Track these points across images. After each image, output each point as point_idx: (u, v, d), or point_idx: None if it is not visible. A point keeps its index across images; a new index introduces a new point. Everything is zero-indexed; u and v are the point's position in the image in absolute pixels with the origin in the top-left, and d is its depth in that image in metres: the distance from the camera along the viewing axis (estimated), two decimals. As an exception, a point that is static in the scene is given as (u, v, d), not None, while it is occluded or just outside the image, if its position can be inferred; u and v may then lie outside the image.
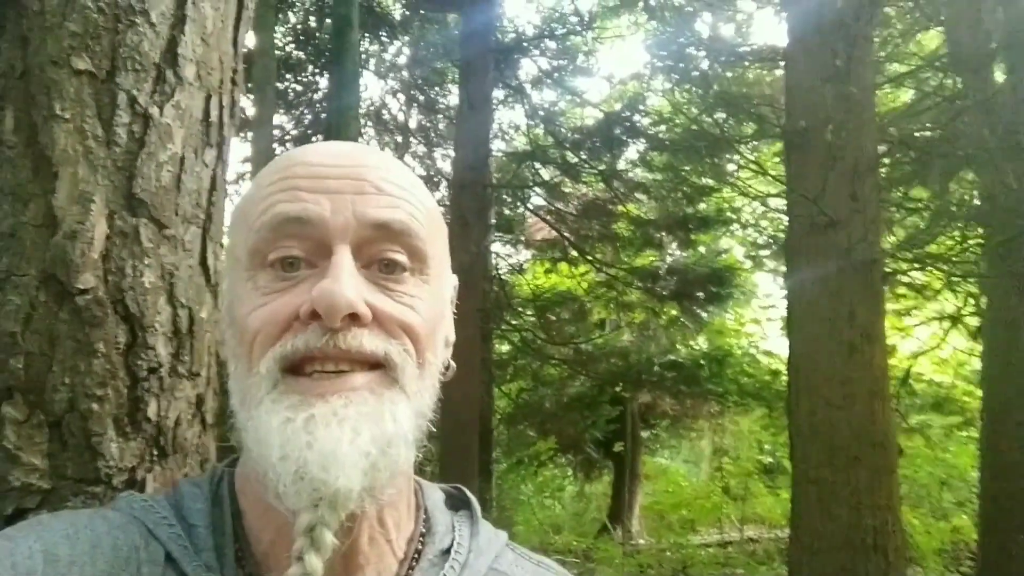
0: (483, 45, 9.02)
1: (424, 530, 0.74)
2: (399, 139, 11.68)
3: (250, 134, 8.19)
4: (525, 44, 10.29)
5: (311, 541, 0.59)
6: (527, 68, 10.67)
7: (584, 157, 9.83)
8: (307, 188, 0.63)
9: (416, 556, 0.72)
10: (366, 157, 0.68)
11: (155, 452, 0.80)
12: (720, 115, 8.20)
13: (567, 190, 10.41)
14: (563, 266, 10.58)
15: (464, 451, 8.32)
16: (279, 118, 10.92)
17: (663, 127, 9.80)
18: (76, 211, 0.78)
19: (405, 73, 11.52)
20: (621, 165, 10.11)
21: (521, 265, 11.19)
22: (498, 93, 10.43)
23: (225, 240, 0.73)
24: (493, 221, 10.33)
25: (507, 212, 10.65)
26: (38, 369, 0.75)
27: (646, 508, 13.09)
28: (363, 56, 11.00)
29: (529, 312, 10.36)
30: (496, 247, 10.67)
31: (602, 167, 9.76)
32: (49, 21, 0.80)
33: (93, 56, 0.81)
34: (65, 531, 0.63)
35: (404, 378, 0.63)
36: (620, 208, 9.99)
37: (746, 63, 7.46)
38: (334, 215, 0.62)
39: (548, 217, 10.38)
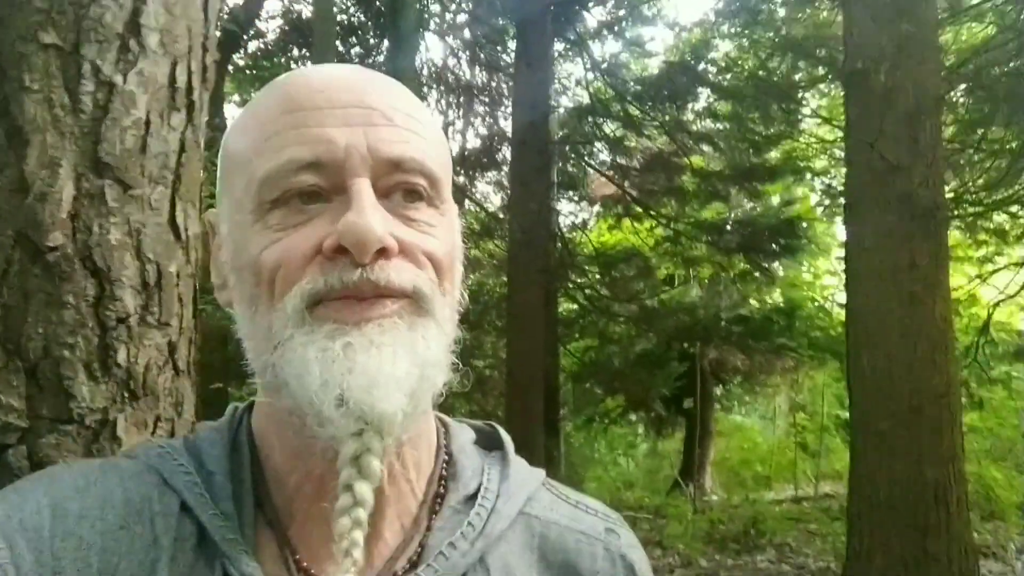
0: (541, -1, 8.91)
1: (445, 473, 0.71)
2: (462, 99, 11.69)
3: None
4: (585, -5, 10.07)
5: (359, 469, 0.59)
6: (588, 20, 10.48)
7: (647, 109, 9.68)
8: (315, 122, 0.61)
9: (438, 500, 0.70)
10: (370, 82, 0.66)
11: (126, 394, 0.88)
12: (787, 60, 7.93)
13: (630, 144, 10.27)
14: (627, 222, 10.49)
15: (528, 409, 8.42)
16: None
17: (728, 75, 9.54)
18: (46, 175, 0.85)
19: (467, 32, 11.48)
20: (685, 116, 9.90)
21: (585, 222, 11.14)
22: (559, 46, 10.30)
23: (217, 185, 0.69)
24: (556, 179, 10.30)
25: (569, 169, 10.58)
26: (14, 320, 0.83)
27: (719, 465, 13.04)
28: (425, 16, 11.01)
29: (594, 269, 10.33)
30: (559, 204, 10.64)
31: (666, 119, 9.60)
32: (16, -1, 0.87)
33: (59, 30, 0.88)
34: (75, 484, 0.64)
35: (433, 307, 0.63)
36: (685, 161, 9.82)
37: (808, 4, 7.17)
38: (348, 152, 0.61)
39: (611, 172, 10.28)
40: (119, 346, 0.87)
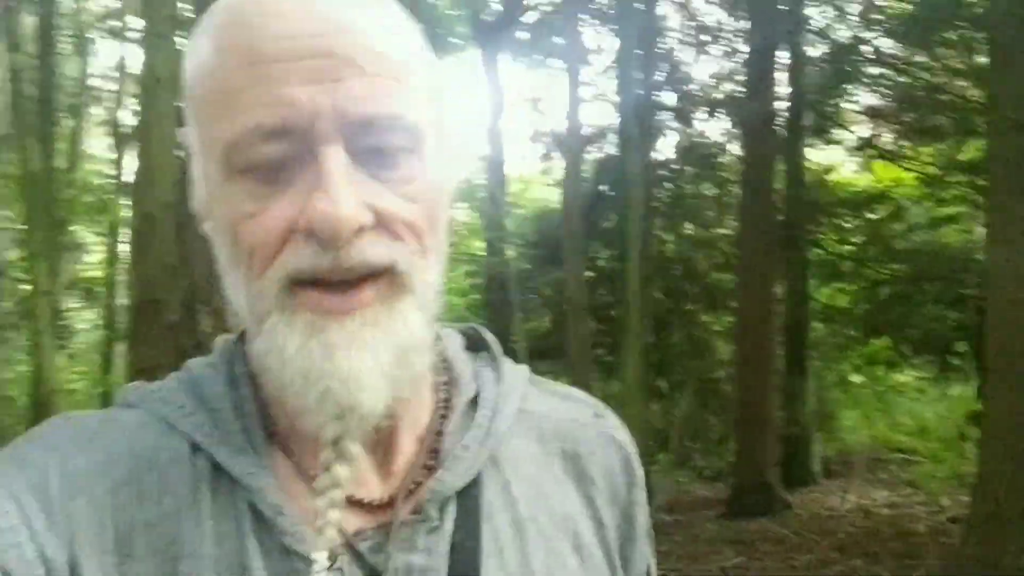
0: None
1: (446, 379, 0.74)
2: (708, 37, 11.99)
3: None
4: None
5: (337, 453, 0.60)
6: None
7: (899, 49, 9.45)
8: (278, 77, 0.55)
9: (444, 405, 0.72)
10: (338, 18, 0.57)
11: (209, 330, 2.29)
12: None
13: (882, 85, 10.07)
14: (880, 164, 10.31)
15: (759, 348, 8.91)
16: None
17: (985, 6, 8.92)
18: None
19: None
20: (940, 51, 9.45)
21: (832, 167, 11.11)
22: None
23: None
24: (806, 123, 10.43)
25: (820, 113, 10.59)
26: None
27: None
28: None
29: (846, 213, 10.39)
30: (808, 150, 10.74)
31: (920, 56, 9.31)
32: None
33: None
34: (77, 439, 0.63)
35: (412, 280, 0.60)
36: (941, 97, 9.45)
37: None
38: (314, 116, 0.55)
39: (862, 115, 10.18)
40: (200, 318, 2.29)
